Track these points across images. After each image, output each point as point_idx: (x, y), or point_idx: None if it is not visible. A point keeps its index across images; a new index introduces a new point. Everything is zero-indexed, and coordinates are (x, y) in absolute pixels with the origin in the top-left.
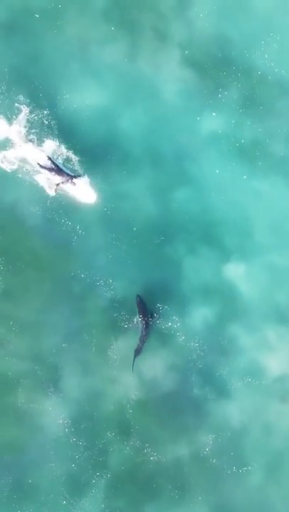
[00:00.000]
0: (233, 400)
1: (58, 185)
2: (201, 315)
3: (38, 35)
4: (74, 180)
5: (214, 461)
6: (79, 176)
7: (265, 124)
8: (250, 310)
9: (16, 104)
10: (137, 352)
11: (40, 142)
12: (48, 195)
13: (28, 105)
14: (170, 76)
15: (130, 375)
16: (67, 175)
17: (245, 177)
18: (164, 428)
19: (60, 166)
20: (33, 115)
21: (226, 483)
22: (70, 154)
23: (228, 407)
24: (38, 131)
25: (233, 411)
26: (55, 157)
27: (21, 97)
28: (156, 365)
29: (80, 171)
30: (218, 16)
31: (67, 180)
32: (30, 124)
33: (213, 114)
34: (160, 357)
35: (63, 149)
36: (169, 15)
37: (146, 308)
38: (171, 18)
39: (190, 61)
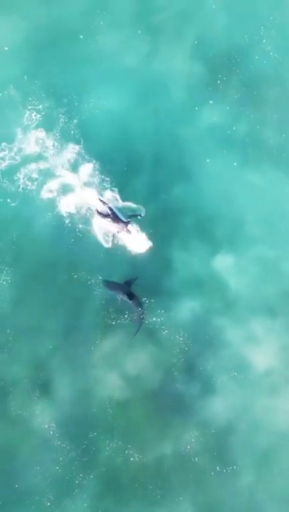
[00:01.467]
0: (218, 396)
1: (114, 235)
2: (186, 308)
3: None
4: (129, 227)
5: (196, 459)
6: (138, 215)
7: (259, 112)
8: (238, 303)
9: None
10: (138, 321)
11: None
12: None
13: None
14: (179, 72)
15: (114, 374)
16: (122, 221)
17: (235, 164)
18: (149, 426)
19: (116, 211)
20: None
21: (210, 483)
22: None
23: (213, 403)
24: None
25: (218, 407)
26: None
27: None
28: (141, 361)
29: (140, 208)
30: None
31: (123, 228)
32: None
33: (210, 101)
34: (145, 352)
35: (117, 194)
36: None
37: (116, 283)
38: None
39: (198, 55)
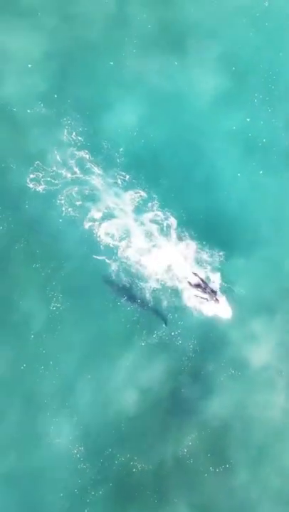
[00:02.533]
0: (216, 395)
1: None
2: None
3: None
4: (217, 297)
5: (192, 461)
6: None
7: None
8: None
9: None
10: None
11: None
12: None
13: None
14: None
15: (130, 389)
16: (212, 291)
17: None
18: (152, 434)
19: (207, 282)
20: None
21: (205, 483)
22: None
23: (211, 403)
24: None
25: (215, 406)
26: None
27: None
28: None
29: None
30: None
31: (212, 298)
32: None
33: (247, 119)
34: (157, 361)
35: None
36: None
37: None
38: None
39: (225, 70)
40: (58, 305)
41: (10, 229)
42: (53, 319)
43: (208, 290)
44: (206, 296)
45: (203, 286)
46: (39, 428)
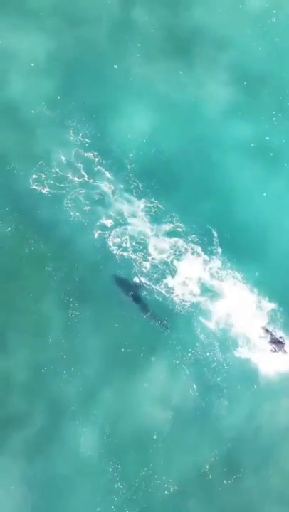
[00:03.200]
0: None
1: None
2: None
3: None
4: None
5: (210, 476)
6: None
7: None
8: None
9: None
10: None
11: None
12: None
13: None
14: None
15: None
16: (280, 343)
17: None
18: (181, 451)
19: (277, 336)
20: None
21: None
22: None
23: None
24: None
25: (231, 418)
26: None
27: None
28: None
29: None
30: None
31: (281, 349)
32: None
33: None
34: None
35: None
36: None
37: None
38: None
39: (234, 79)
40: (77, 313)
41: (18, 230)
42: (71, 326)
43: (278, 343)
44: (275, 347)
45: (273, 339)
46: (68, 437)
